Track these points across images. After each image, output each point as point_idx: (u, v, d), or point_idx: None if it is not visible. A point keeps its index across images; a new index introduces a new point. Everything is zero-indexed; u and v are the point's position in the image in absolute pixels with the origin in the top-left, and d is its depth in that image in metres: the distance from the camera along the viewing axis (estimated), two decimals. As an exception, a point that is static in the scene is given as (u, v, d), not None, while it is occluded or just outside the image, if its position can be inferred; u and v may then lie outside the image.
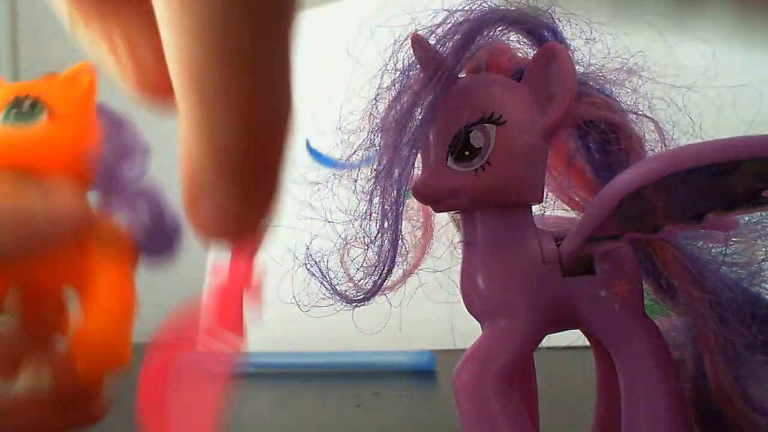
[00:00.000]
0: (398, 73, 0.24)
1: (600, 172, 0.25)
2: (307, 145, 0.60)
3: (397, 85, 0.24)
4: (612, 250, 0.24)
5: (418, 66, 0.23)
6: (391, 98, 0.24)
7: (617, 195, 0.21)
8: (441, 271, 0.27)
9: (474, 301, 0.24)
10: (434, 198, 0.24)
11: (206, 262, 0.62)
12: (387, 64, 0.24)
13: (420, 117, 0.23)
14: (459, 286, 0.25)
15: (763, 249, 0.24)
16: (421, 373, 0.52)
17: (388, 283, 0.25)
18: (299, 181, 0.26)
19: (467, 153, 0.23)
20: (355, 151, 0.25)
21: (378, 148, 0.24)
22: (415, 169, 0.24)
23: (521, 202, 0.24)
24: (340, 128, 0.25)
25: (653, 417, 0.23)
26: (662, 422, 0.23)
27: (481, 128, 0.23)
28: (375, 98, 0.24)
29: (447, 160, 0.23)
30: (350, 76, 0.25)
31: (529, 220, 0.24)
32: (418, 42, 0.24)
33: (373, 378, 0.52)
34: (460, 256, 0.25)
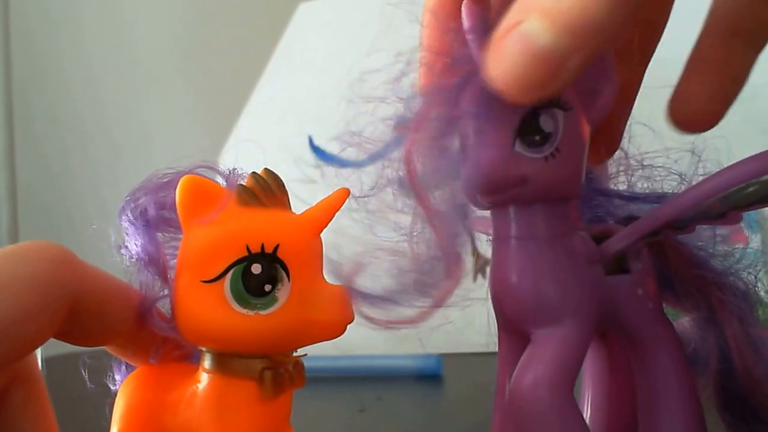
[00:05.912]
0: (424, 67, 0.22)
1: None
2: (310, 142, 0.58)
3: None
4: (642, 249, 0.23)
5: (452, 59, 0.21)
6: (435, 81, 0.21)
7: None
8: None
9: (511, 303, 0.22)
10: (499, 186, 0.21)
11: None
12: (406, 53, 0.22)
13: (474, 97, 0.20)
14: (489, 286, 0.23)
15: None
16: (427, 377, 0.50)
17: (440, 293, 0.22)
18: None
19: (537, 137, 0.21)
20: (376, 151, 0.22)
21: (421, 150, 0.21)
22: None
23: (575, 195, 0.22)
24: (346, 122, 0.24)
25: (676, 413, 0.22)
26: (684, 417, 0.22)
27: (549, 112, 0.21)
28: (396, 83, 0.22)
29: (515, 144, 0.21)
30: (359, 71, 0.24)
31: (575, 216, 0.23)
32: (472, 6, 0.21)
33: (378, 382, 0.50)
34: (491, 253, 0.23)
